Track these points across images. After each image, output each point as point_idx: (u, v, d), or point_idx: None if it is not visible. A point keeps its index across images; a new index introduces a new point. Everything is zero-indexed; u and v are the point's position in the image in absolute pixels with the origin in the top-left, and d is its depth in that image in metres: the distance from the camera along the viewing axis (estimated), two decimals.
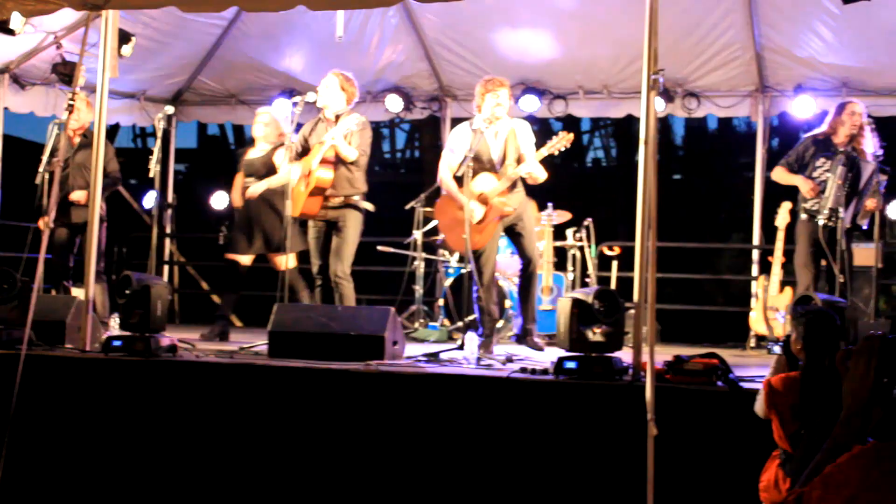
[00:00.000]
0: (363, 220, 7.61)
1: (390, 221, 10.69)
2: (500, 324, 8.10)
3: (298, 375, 5.74)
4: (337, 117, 7.55)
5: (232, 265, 8.36)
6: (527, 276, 7.46)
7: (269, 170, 8.26)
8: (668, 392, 4.95)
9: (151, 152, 7.73)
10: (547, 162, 7.28)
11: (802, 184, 7.63)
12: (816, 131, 7.80)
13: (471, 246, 7.05)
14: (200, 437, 5.75)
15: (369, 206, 7.67)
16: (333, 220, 7.50)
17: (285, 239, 7.41)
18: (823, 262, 7.63)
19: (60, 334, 6.58)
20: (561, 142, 7.22)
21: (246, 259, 8.33)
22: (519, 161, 7.27)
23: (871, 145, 7.58)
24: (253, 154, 8.42)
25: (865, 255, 8.25)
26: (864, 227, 7.67)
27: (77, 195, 8.20)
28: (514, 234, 7.47)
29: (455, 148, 7.36)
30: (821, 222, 7.44)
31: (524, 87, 10.25)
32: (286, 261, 7.67)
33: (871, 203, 7.45)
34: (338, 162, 7.43)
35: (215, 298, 12.04)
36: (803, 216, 7.71)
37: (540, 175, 7.25)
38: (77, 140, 8.36)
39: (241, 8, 7.49)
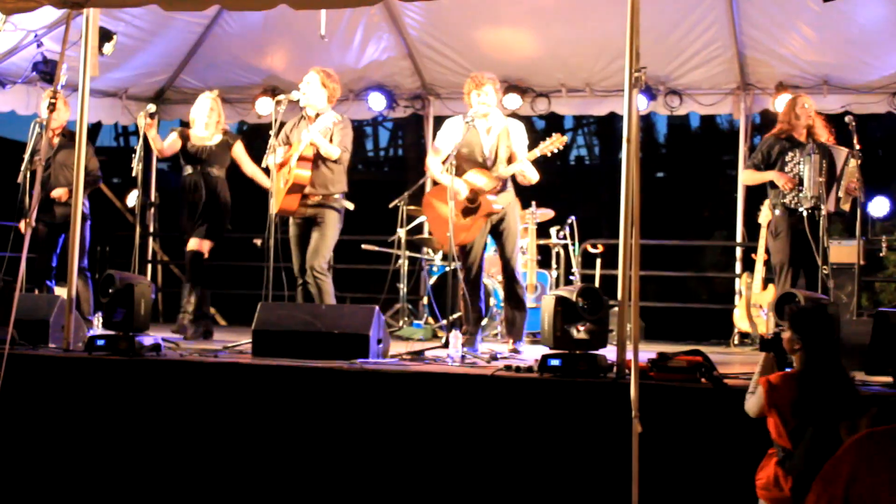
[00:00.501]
0: (342, 218, 7.57)
1: (374, 219, 10.68)
2: (484, 321, 8.10)
3: (282, 374, 5.73)
4: (318, 115, 7.52)
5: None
6: (507, 279, 7.43)
7: (218, 161, 8.21)
8: (653, 389, 4.97)
9: (134, 151, 7.73)
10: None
11: (778, 178, 7.64)
12: (774, 130, 7.84)
13: (457, 242, 7.07)
14: (185, 437, 5.74)
15: (349, 205, 7.61)
16: (312, 217, 7.47)
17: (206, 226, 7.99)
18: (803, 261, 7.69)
19: (44, 333, 6.58)
20: (554, 143, 7.20)
21: (192, 244, 8.16)
22: (510, 160, 7.27)
23: (824, 133, 7.66)
24: (201, 140, 8.21)
25: (847, 252, 8.31)
26: (847, 211, 7.68)
27: (58, 192, 8.16)
28: (497, 234, 7.42)
29: (446, 139, 7.33)
30: (805, 214, 7.46)
31: (507, 85, 10.25)
32: (197, 243, 8.07)
33: (852, 185, 7.48)
34: (316, 160, 7.38)
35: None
36: (778, 212, 7.72)
37: (532, 176, 7.23)
38: (56, 140, 8.32)
39: (223, 6, 7.47)
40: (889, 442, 1.96)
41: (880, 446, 1.98)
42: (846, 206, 7.62)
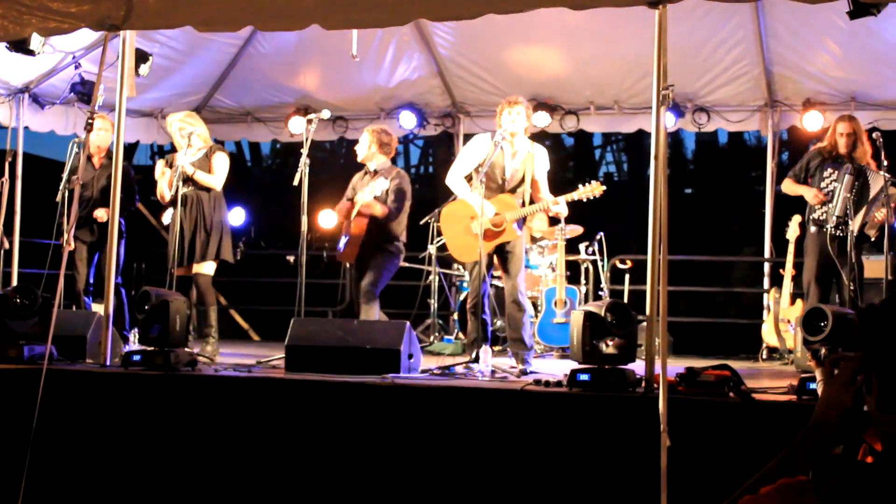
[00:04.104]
0: (395, 260, 7.82)
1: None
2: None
3: (315, 389, 5.80)
4: (375, 172, 7.83)
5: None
6: (512, 304, 7.30)
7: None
8: (681, 403, 5.00)
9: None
10: (560, 178, 7.32)
11: (808, 192, 7.77)
12: (820, 144, 7.94)
13: (465, 258, 7.17)
14: (219, 451, 5.82)
15: (402, 251, 7.91)
16: (365, 263, 7.75)
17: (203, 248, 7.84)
18: (833, 279, 7.75)
19: (81, 349, 6.69)
20: (593, 191, 7.22)
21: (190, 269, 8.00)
22: (533, 186, 7.29)
23: (866, 157, 7.71)
24: (190, 157, 7.98)
25: (876, 267, 8.32)
26: (872, 238, 7.76)
27: (99, 212, 8.29)
28: (502, 257, 7.35)
29: (470, 155, 7.34)
30: (830, 231, 7.55)
31: (536, 103, 10.32)
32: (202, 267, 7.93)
33: (880, 214, 7.54)
34: (372, 217, 7.69)
35: (234, 314, 12.15)
36: (812, 228, 7.82)
37: (564, 212, 7.34)
38: (102, 161, 8.47)
39: (256, 27, 7.61)
40: (811, 494, 1.87)
41: (800, 494, 1.88)
42: (871, 232, 7.68)
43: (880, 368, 1.91)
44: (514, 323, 7.22)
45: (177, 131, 8.02)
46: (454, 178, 7.36)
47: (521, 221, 7.30)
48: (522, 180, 7.30)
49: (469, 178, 7.30)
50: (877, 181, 7.57)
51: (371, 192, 7.62)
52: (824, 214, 7.66)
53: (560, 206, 7.22)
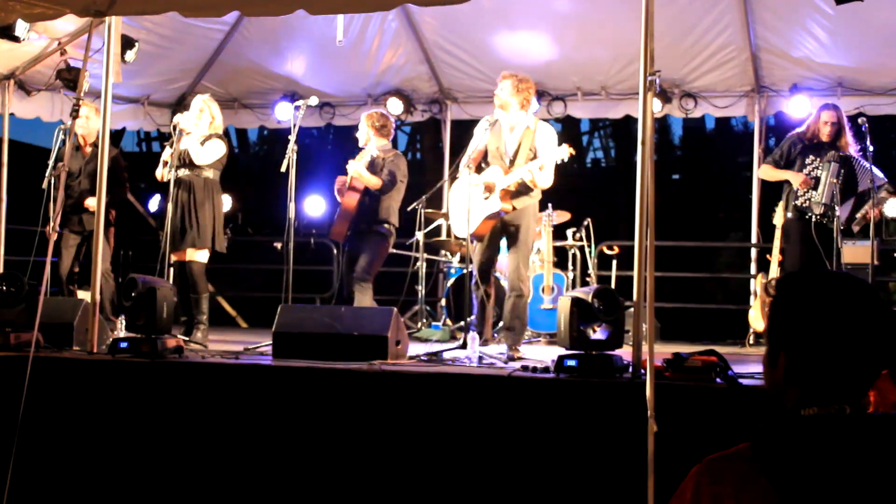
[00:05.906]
0: (385, 244, 7.90)
1: None
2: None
3: (302, 375, 5.79)
4: (373, 158, 7.94)
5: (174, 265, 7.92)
6: (511, 288, 7.25)
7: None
8: (668, 389, 4.99)
9: (158, 156, 7.86)
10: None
11: (794, 177, 7.74)
12: (800, 130, 7.93)
13: (469, 232, 7.15)
14: (206, 438, 5.81)
15: (392, 233, 7.98)
16: (358, 244, 7.84)
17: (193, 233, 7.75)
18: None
19: (68, 336, 6.67)
20: (559, 154, 7.17)
21: (181, 256, 7.93)
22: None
23: (853, 147, 7.72)
24: (187, 142, 7.88)
25: (861, 252, 8.35)
26: (855, 232, 7.79)
27: (91, 202, 8.24)
28: (508, 239, 7.31)
29: (475, 141, 7.28)
30: (814, 219, 7.57)
31: None
32: (194, 254, 7.85)
33: (873, 212, 7.55)
34: (364, 191, 7.70)
35: (221, 301, 12.13)
36: (790, 215, 7.82)
37: (541, 181, 7.10)
38: (89, 149, 8.44)
39: (242, 13, 7.57)
40: (733, 461, 1.92)
41: (725, 464, 1.93)
42: (856, 228, 7.71)
43: (787, 343, 1.98)
44: (511, 307, 7.17)
45: (196, 109, 7.95)
46: (461, 168, 7.32)
47: (519, 194, 7.19)
48: (519, 155, 7.18)
49: (479, 165, 7.26)
50: (864, 175, 7.55)
51: (356, 165, 7.79)
52: (807, 202, 7.67)
53: (533, 168, 7.03)
